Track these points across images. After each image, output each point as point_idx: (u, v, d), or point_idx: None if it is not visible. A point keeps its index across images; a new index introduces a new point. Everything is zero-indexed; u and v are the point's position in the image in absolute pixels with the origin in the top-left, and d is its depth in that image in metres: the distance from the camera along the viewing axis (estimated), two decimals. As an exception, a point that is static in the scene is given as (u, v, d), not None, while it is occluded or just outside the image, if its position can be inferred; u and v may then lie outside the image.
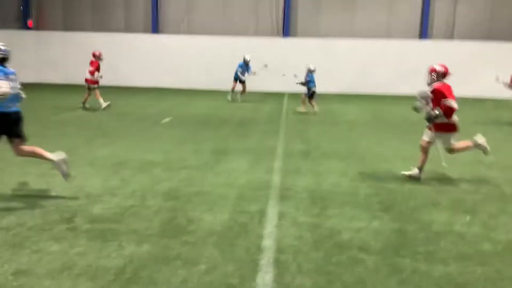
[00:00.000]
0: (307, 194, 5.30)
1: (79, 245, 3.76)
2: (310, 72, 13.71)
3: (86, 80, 12.83)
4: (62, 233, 4.00)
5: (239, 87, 16.63)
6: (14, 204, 4.74)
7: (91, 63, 12.87)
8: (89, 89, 12.78)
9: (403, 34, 21.63)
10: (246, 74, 16.47)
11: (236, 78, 16.52)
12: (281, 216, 4.56)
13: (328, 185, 5.74)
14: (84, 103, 12.90)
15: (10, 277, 3.22)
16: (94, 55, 13.02)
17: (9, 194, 5.06)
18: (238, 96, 16.43)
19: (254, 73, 16.42)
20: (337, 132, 9.92)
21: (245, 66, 16.47)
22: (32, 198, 4.95)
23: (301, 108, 13.32)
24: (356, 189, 5.58)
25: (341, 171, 6.47)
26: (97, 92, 12.83)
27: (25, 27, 22.60)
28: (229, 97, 16.38)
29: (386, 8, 21.65)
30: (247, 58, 16.46)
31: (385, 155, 7.59)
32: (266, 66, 16.60)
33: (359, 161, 7.12)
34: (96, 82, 12.90)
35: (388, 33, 21.77)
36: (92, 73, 12.75)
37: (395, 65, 20.95)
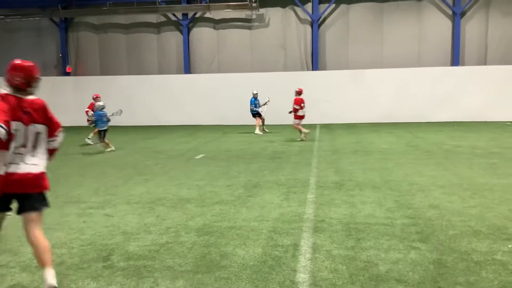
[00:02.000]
0: (341, 226, 5.22)
1: (116, 283, 3.82)
2: (99, 109, 12.68)
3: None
4: (99, 271, 4.07)
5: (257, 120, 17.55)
6: (53, 243, 4.87)
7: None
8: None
9: (435, 62, 21.47)
10: (259, 107, 17.36)
11: (255, 114, 17.36)
12: (315, 249, 4.50)
13: (363, 216, 5.63)
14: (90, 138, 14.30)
15: (49, 316, 3.28)
16: (93, 98, 14.70)
17: (49, 234, 5.21)
18: (263, 127, 17.51)
19: (266, 103, 17.44)
20: (371, 162, 9.79)
21: (255, 100, 17.32)
22: (70, 237, 5.08)
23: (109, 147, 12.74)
24: (392, 219, 5.46)
25: (376, 201, 6.36)
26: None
27: (65, 73, 23.73)
28: (258, 132, 17.05)
29: (415, 36, 21.64)
30: (255, 92, 17.37)
31: (421, 184, 7.42)
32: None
33: (394, 191, 6.98)
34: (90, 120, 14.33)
35: (419, 61, 21.66)
36: (86, 112, 14.54)
37: (427, 93, 20.75)
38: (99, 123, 12.46)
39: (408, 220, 5.41)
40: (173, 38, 23.28)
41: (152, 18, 23.27)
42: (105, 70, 23.87)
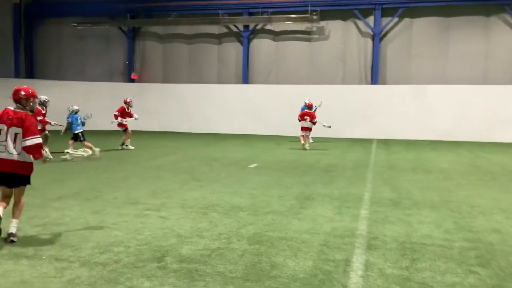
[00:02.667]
0: (396, 245, 5.07)
1: (168, 284, 3.92)
2: (73, 113, 12.29)
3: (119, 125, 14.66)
4: (153, 271, 4.20)
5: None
6: (111, 241, 5.08)
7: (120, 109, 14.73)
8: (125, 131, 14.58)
9: (502, 80, 20.47)
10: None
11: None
12: (367, 266, 4.40)
13: (419, 236, 5.44)
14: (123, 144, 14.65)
15: (105, 310, 3.42)
16: (124, 101, 14.97)
17: (107, 232, 5.45)
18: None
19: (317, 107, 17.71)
20: (430, 181, 9.45)
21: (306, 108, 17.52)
22: (128, 236, 5.27)
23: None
24: (450, 241, 5.24)
25: (434, 222, 6.13)
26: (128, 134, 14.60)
27: (130, 79, 24.80)
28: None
29: (482, 53, 20.76)
30: (307, 101, 17.34)
31: (482, 206, 7.07)
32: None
33: (454, 212, 6.69)
34: (124, 125, 14.59)
35: (484, 79, 20.74)
36: (115, 117, 14.44)
37: (492, 112, 19.79)
38: (73, 126, 12.16)
39: (468, 243, 5.17)
40: (233, 49, 23.74)
41: (214, 29, 23.87)
42: (167, 78, 24.71)
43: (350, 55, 22.24)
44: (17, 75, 25.09)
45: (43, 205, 6.78)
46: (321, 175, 10.06)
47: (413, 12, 21.29)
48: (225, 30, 23.77)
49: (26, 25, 25.85)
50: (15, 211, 5.13)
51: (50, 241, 5.05)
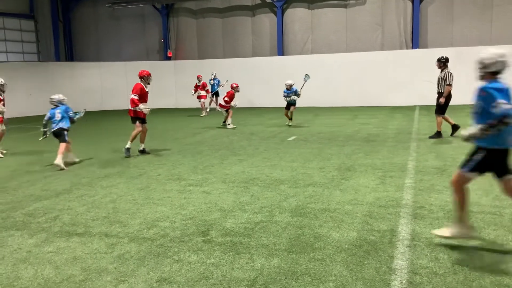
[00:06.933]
0: (443, 214, 4.95)
1: (214, 257, 3.99)
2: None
3: (220, 105, 14.88)
4: (199, 245, 4.29)
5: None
6: (158, 216, 5.21)
7: (228, 93, 14.57)
8: (226, 111, 14.42)
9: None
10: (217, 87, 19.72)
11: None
12: (414, 236, 4.32)
13: (466, 204, 5.28)
14: (224, 122, 14.54)
15: (154, 284, 3.53)
16: (231, 87, 14.68)
17: (153, 208, 5.59)
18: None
19: (223, 85, 19.11)
20: (476, 147, 9.11)
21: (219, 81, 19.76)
22: (173, 211, 5.39)
23: None
24: (500, 208, 5.06)
25: (483, 188, 5.92)
26: (230, 113, 14.45)
27: (166, 57, 24.98)
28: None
29: (531, 9, 19.50)
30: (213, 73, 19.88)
31: (535, 171, 6.77)
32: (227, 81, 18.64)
33: (503, 178, 6.44)
34: (226, 107, 14.43)
35: (534, 37, 19.56)
36: (227, 102, 14.33)
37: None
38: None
39: (520, 210, 4.98)
40: (267, 20, 23.38)
41: (247, 1, 23.53)
42: (202, 54, 24.71)
43: (389, 20, 21.44)
44: (57, 59, 25.76)
45: (90, 184, 7.02)
46: (362, 145, 9.89)
47: (455, -30, 20.19)
48: (258, 1, 23.39)
49: (63, 9, 26.37)
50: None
51: (99, 218, 5.24)
